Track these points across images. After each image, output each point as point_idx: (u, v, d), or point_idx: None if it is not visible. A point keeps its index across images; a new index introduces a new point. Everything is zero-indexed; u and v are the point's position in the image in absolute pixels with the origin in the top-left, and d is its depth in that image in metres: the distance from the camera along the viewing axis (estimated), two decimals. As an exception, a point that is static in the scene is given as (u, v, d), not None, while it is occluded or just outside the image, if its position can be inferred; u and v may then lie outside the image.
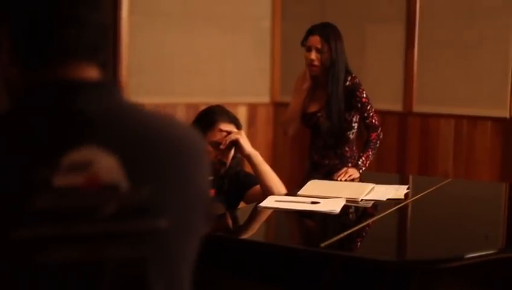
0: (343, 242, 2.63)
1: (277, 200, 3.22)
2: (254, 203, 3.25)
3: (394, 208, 3.25)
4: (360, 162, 4.01)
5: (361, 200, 3.32)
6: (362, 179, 3.91)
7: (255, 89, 6.39)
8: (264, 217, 3.14)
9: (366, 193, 3.40)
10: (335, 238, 2.62)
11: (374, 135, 4.09)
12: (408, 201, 3.40)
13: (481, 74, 5.41)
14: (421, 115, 5.72)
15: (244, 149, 3.43)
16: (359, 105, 4.10)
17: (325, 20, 6.16)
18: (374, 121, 4.11)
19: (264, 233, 2.98)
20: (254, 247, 2.68)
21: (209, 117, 3.50)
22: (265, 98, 6.44)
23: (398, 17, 5.74)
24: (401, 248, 2.86)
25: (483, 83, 5.40)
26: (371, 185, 3.53)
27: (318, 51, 4.11)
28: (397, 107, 5.82)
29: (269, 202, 3.19)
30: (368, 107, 4.11)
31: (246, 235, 2.91)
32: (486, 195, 4.05)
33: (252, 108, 6.37)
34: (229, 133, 3.44)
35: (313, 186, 3.52)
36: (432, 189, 3.74)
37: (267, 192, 3.42)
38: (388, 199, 3.36)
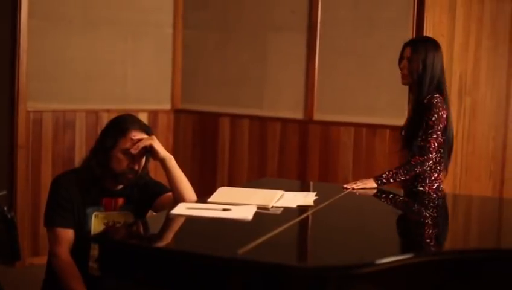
0: (260, 249, 2.65)
1: (188, 207, 3.21)
2: (165, 211, 3.23)
3: (306, 215, 3.30)
4: (383, 175, 3.99)
5: (272, 207, 3.34)
6: (267, 185, 3.93)
7: (156, 96, 6.36)
8: (177, 224, 3.13)
9: (275, 200, 3.42)
10: (252, 245, 2.63)
11: (417, 159, 3.99)
12: (318, 208, 3.45)
13: (380, 83, 5.53)
14: (321, 123, 5.81)
15: (158, 153, 3.43)
16: (424, 125, 4.02)
17: (226, 28, 6.24)
18: (427, 145, 3.99)
19: (180, 241, 2.95)
20: (170, 255, 2.67)
21: (121, 125, 3.46)
22: (167, 105, 6.41)
23: (300, 26, 5.81)
24: (314, 254, 2.90)
25: (382, 92, 5.53)
26: (280, 192, 3.54)
27: (408, 60, 4.18)
28: (298, 115, 5.90)
29: (181, 209, 3.16)
30: (430, 131, 3.98)
31: (162, 244, 2.88)
32: (384, 201, 4.14)
33: (153, 115, 6.33)
34: (140, 140, 3.42)
35: (223, 194, 3.51)
36: (338, 196, 3.81)
37: (178, 197, 3.41)
38: (298, 206, 3.40)
